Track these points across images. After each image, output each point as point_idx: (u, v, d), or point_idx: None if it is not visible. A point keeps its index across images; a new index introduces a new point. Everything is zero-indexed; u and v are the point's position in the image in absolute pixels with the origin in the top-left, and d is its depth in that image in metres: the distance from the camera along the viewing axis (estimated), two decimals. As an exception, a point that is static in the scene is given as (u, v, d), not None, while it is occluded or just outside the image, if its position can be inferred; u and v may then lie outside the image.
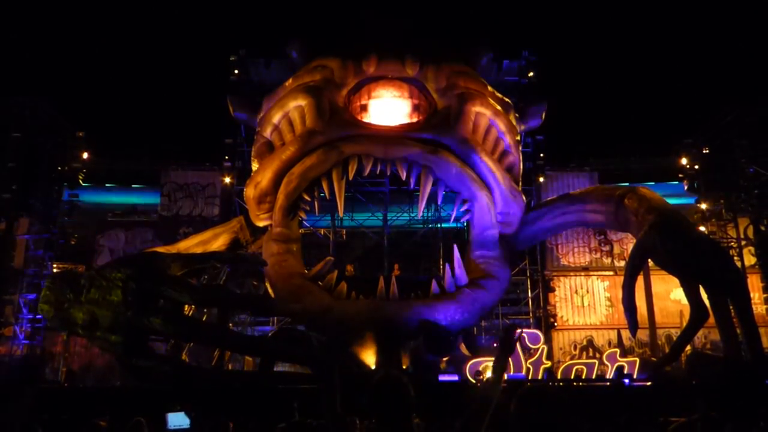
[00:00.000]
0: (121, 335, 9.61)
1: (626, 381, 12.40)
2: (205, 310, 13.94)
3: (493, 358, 13.41)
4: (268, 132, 14.14)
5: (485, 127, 13.68)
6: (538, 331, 15.10)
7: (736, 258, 20.37)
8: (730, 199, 22.10)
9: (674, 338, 18.52)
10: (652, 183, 22.76)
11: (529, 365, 13.08)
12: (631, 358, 14.25)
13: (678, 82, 32.17)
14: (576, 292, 23.26)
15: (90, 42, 31.46)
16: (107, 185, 24.23)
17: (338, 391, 3.64)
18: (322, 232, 22.44)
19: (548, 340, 20.79)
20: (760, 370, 10.78)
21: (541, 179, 22.79)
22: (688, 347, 14.98)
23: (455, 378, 13.09)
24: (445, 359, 14.20)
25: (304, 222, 14.32)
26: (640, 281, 14.44)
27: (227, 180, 22.36)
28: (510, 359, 12.84)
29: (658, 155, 24.06)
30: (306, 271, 13.65)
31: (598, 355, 18.99)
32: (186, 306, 10.52)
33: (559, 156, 24.18)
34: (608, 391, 12.01)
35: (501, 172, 13.45)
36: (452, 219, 14.08)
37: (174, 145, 24.56)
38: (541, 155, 22.86)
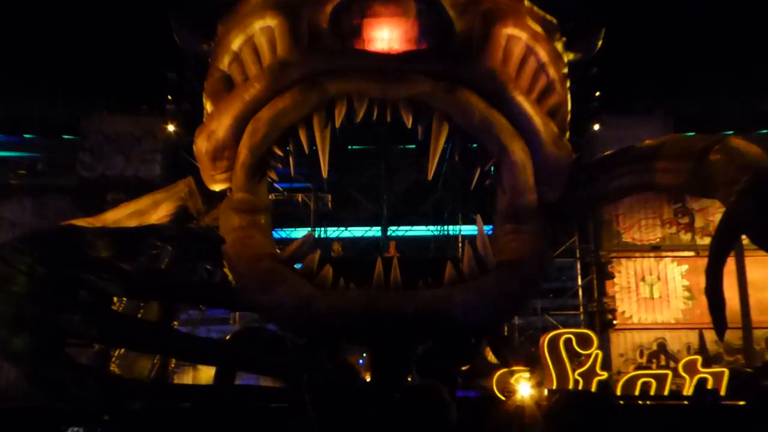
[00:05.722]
0: (28, 338, 9.57)
1: (710, 399, 12.45)
2: (142, 304, 13.96)
3: (528, 368, 13.41)
4: (225, 63, 13.99)
5: (520, 55, 13.51)
6: (590, 332, 15.14)
7: None
8: None
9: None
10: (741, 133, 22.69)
11: (577, 377, 13.13)
12: (717, 369, 14.30)
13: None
14: (643, 279, 23.39)
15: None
16: (7, 138, 24.17)
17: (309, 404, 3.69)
18: (299, 198, 22.49)
19: (604, 344, 20.90)
20: None
21: (596, 127, 22.80)
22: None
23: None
24: (464, 369, 14.27)
25: (275, 185, 14.27)
26: (730, 265, 14.40)
27: (171, 128, 22.35)
28: (552, 370, 12.92)
29: (754, 96, 24.00)
30: (278, 251, 13.65)
31: (672, 364, 19.09)
32: (115, 298, 10.51)
33: (620, 96, 24.15)
34: (686, 412, 12.06)
35: (541, 116, 13.31)
36: (473, 183, 13.98)
37: (99, 83, 24.49)
38: (597, 95, 22.83)
